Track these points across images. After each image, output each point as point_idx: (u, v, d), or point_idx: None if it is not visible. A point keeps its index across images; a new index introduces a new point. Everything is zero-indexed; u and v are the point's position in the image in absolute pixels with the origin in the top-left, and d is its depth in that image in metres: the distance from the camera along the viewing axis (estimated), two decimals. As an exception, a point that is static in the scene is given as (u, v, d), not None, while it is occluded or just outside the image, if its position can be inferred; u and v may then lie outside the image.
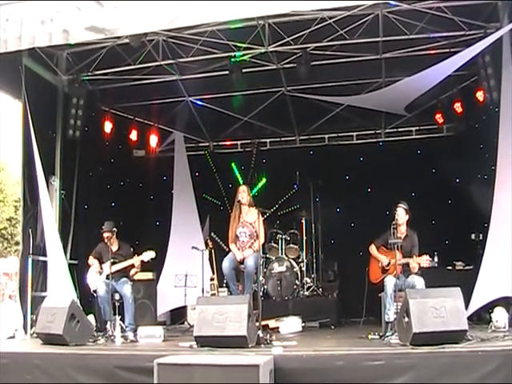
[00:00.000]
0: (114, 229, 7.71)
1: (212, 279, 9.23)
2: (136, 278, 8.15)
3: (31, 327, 7.56)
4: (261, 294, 8.20)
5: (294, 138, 11.85)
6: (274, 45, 8.53)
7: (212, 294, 8.95)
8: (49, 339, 6.52)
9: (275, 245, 10.09)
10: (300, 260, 10.06)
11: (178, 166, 11.18)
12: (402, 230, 7.16)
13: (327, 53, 8.76)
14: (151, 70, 9.23)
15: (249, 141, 11.88)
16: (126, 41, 8.07)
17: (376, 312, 7.35)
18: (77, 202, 9.27)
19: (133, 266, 7.71)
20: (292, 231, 10.19)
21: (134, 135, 11.11)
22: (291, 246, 10.07)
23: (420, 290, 6.36)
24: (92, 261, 7.78)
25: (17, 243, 20.12)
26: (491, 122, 8.01)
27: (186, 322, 9.37)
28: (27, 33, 6.28)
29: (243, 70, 8.94)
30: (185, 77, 9.59)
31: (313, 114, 10.88)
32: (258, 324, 6.25)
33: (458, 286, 5.61)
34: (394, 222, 6.94)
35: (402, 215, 7.13)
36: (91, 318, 7.62)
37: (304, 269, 9.98)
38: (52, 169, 8.84)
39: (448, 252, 8.95)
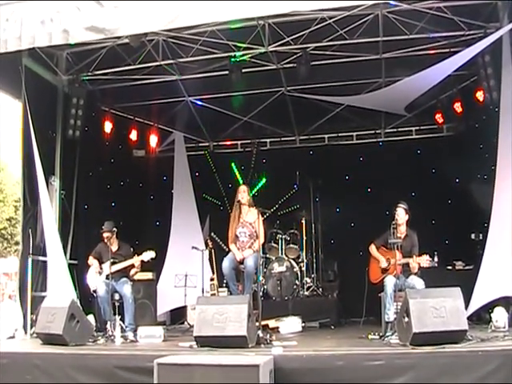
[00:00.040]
0: (114, 229, 7.71)
1: (212, 279, 9.23)
2: (136, 277, 8.15)
3: (31, 327, 7.56)
4: (261, 294, 8.20)
5: (293, 138, 11.86)
6: (273, 45, 8.53)
7: (212, 294, 8.95)
8: (49, 339, 6.52)
9: (275, 245, 10.09)
10: (300, 260, 10.06)
11: (177, 166, 11.18)
12: (402, 230, 7.16)
13: (327, 53, 8.76)
14: (151, 70, 9.23)
15: (249, 141, 11.88)
16: (126, 41, 8.07)
17: (376, 312, 7.35)
18: (77, 202, 9.27)
19: (133, 265, 7.71)
20: (292, 231, 10.19)
21: (133, 135, 11.11)
22: (291, 246, 10.07)
23: (420, 290, 6.36)
24: (92, 261, 7.78)
25: (17, 243, 20.10)
26: (491, 122, 8.01)
27: (185, 322, 9.37)
28: (27, 33, 6.28)
29: (243, 70, 8.94)
30: (185, 77, 9.59)
31: (313, 114, 10.88)
32: (257, 324, 6.25)
33: (457, 285, 5.61)
34: (393, 222, 6.95)
35: (401, 215, 7.14)
36: (91, 318, 7.62)
37: (304, 269, 9.98)
38: (52, 169, 8.84)
39: (448, 252, 8.96)
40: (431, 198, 10.15)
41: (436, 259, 6.98)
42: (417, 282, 6.77)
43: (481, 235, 8.48)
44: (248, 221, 7.58)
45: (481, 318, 7.42)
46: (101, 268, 7.67)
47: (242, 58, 8.99)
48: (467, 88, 9.68)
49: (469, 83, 9.59)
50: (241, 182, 11.48)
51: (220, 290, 9.26)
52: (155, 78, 9.46)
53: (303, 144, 11.80)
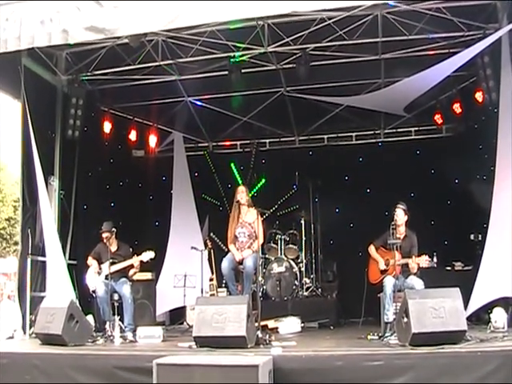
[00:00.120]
0: (113, 229, 7.71)
1: (211, 279, 9.23)
2: (135, 278, 8.15)
3: (30, 327, 7.56)
4: (260, 294, 8.19)
5: (293, 139, 11.86)
6: (273, 45, 8.53)
7: (211, 295, 8.95)
8: (48, 339, 6.52)
9: (274, 245, 10.09)
10: (299, 260, 10.06)
11: (177, 166, 11.17)
12: (401, 231, 7.16)
13: (326, 53, 8.76)
14: (151, 70, 9.22)
15: (248, 141, 11.88)
16: (126, 41, 8.06)
17: (375, 312, 7.35)
18: (76, 202, 9.26)
19: (132, 266, 7.71)
20: (291, 231, 10.18)
21: (133, 135, 11.10)
22: (290, 246, 10.06)
23: (419, 291, 6.36)
24: (91, 261, 7.78)
25: (16, 243, 20.10)
26: (490, 123, 8.01)
27: (185, 323, 9.37)
28: (27, 33, 6.28)
29: (242, 71, 8.94)
30: (184, 77, 9.59)
31: (312, 114, 10.88)
32: (257, 324, 6.26)
33: (457, 286, 5.61)
34: (393, 223, 6.94)
35: (400, 216, 7.14)
36: (90, 318, 7.62)
37: (303, 269, 9.99)
38: (51, 169, 8.83)
39: (447, 252, 8.94)
40: (430, 198, 10.16)
41: (435, 260, 6.98)
42: (416, 282, 6.77)
43: (480, 236, 8.48)
44: (247, 221, 7.58)
45: (480, 318, 7.41)
46: (100, 268, 7.67)
47: (241, 59, 8.99)
48: (466, 89, 9.69)
49: (468, 84, 9.60)
50: (240, 182, 11.49)
51: (219, 290, 9.27)
52: (155, 78, 9.45)
53: (302, 144, 11.80)
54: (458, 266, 8.98)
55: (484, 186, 8.16)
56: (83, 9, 6.10)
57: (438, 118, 10.67)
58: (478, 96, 8.91)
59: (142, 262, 7.68)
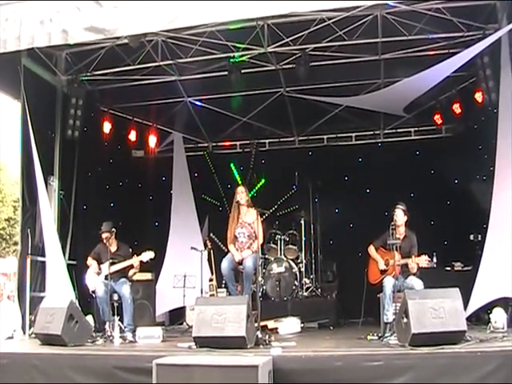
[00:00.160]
0: (113, 229, 7.70)
1: (211, 280, 9.23)
2: (135, 278, 8.15)
3: (30, 328, 7.55)
4: (260, 294, 8.19)
5: (292, 139, 11.86)
6: (273, 45, 8.53)
7: (211, 295, 8.96)
8: (47, 340, 6.52)
9: (274, 245, 10.09)
10: (299, 261, 10.06)
11: (177, 166, 11.17)
12: (401, 231, 7.16)
13: (326, 53, 8.76)
14: (150, 71, 9.22)
15: (248, 141, 11.88)
16: (125, 41, 8.06)
17: (375, 313, 7.36)
18: (76, 203, 9.25)
19: (132, 266, 7.71)
20: (291, 232, 10.18)
21: (132, 135, 11.09)
22: (290, 246, 10.06)
23: (419, 291, 6.36)
24: (91, 261, 7.78)
25: (15, 243, 20.09)
26: (490, 123, 8.01)
27: (184, 323, 9.38)
28: (26, 33, 6.28)
29: (242, 71, 8.95)
30: (184, 77, 9.59)
31: (312, 114, 10.88)
32: (256, 325, 6.25)
33: (456, 286, 5.61)
34: (392, 223, 6.94)
35: (400, 216, 7.14)
36: (90, 318, 7.61)
37: (303, 269, 9.99)
38: (51, 169, 8.83)
39: (447, 253, 8.95)
40: (430, 198, 10.16)
41: (435, 260, 6.98)
42: (416, 282, 6.77)
43: (479, 236, 8.48)
44: (247, 221, 7.58)
45: (480, 318, 7.42)
46: (100, 268, 7.67)
47: (241, 59, 8.99)
48: (466, 89, 9.70)
49: (468, 84, 9.60)
50: (240, 182, 11.48)
51: (219, 290, 9.27)
52: (154, 78, 9.45)
53: (302, 145, 11.81)
54: (458, 266, 8.98)
55: (484, 186, 8.17)
56: (83, 9, 6.10)
57: (437, 119, 10.69)
58: (478, 96, 8.91)
59: (141, 262, 7.68)
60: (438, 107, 10.49)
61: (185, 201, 10.85)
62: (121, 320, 7.33)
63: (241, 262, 7.38)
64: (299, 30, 8.29)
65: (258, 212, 7.46)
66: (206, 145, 12.19)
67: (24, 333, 7.59)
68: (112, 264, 7.46)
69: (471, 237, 8.93)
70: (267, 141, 11.90)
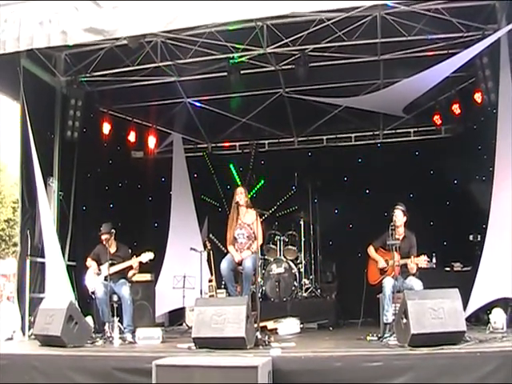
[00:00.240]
0: (112, 230, 7.70)
1: (210, 280, 9.24)
2: (134, 279, 8.14)
3: (29, 329, 7.54)
4: (259, 295, 8.19)
5: (292, 140, 11.86)
6: (272, 46, 8.53)
7: (210, 296, 8.96)
8: (47, 341, 6.52)
9: (273, 246, 10.09)
10: (298, 261, 10.07)
11: (176, 167, 11.17)
12: (400, 232, 7.16)
13: (325, 54, 8.76)
14: (149, 72, 9.22)
15: (247, 142, 11.89)
16: (125, 42, 8.06)
17: (374, 313, 7.36)
18: (75, 204, 9.25)
19: (131, 267, 7.70)
20: (290, 232, 10.19)
21: (132, 136, 11.09)
22: (289, 247, 10.07)
23: (418, 292, 6.36)
24: (90, 262, 7.78)
25: (15, 244, 20.06)
26: (489, 124, 8.02)
27: (184, 324, 9.37)
28: (25, 34, 6.28)
29: (241, 72, 8.95)
30: (183, 78, 9.59)
31: (311, 115, 10.88)
32: (256, 325, 6.25)
33: (456, 287, 5.62)
34: (392, 224, 6.94)
35: (399, 217, 7.14)
36: (89, 319, 7.61)
37: (302, 270, 9.99)
38: (50, 170, 8.82)
39: (446, 253, 8.97)
40: (429, 199, 10.16)
41: (434, 260, 6.99)
42: (415, 283, 6.77)
43: (479, 236, 8.48)
44: (246, 222, 7.57)
45: (479, 319, 7.42)
46: (99, 269, 7.66)
47: (240, 60, 8.99)
48: (465, 89, 9.70)
49: (467, 85, 9.61)
50: (239, 183, 11.48)
51: (218, 291, 9.28)
52: (154, 79, 9.46)
53: (301, 145, 11.81)
54: (457, 266, 8.98)
55: (483, 186, 8.16)
56: (82, 10, 6.10)
57: (437, 119, 10.70)
58: (477, 97, 8.91)
59: (141, 263, 7.67)
60: (438, 108, 10.49)
61: (184, 202, 10.84)
62: (120, 321, 7.32)
63: (240, 263, 7.38)
64: (298, 31, 8.30)
65: (257, 213, 7.44)
66: (205, 145, 12.19)
67: (23, 334, 7.58)
68: (111, 265, 7.46)
69: (471, 237, 8.94)
70: (266, 141, 11.91)
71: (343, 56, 8.78)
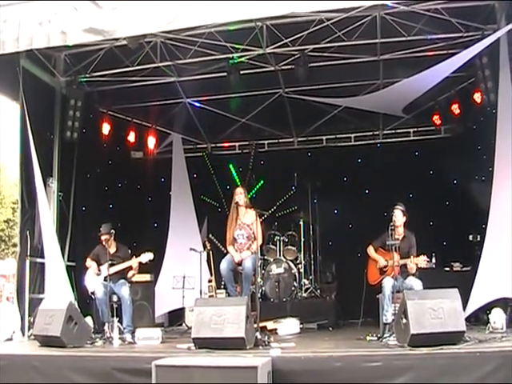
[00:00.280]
0: (112, 231, 7.70)
1: (210, 281, 9.24)
2: (134, 279, 8.14)
3: (29, 329, 7.54)
4: (259, 295, 8.19)
5: (291, 140, 11.86)
6: (271, 46, 8.53)
7: (210, 296, 8.96)
8: (46, 341, 6.51)
9: (273, 246, 10.09)
10: (298, 261, 10.06)
11: (175, 167, 11.18)
12: (400, 232, 7.16)
13: (325, 54, 8.76)
14: (149, 72, 9.22)
15: (247, 142, 11.89)
16: (124, 42, 8.06)
17: (374, 313, 7.36)
18: (74, 204, 9.24)
19: (131, 267, 7.71)
20: (290, 233, 10.19)
21: (131, 137, 11.09)
22: (289, 247, 10.07)
23: (418, 292, 6.37)
24: (90, 263, 7.77)
25: (14, 245, 20.08)
26: (489, 124, 8.02)
27: (183, 324, 9.35)
28: (25, 34, 6.28)
29: (241, 72, 8.95)
30: (183, 78, 9.59)
31: (311, 115, 10.88)
32: (255, 326, 6.24)
33: (455, 287, 5.62)
34: (391, 224, 6.94)
35: (399, 217, 7.14)
36: (89, 319, 7.61)
37: (302, 270, 9.99)
38: (50, 170, 8.81)
39: (446, 253, 8.98)
40: (429, 199, 10.16)
41: (434, 260, 6.99)
42: (415, 282, 6.77)
43: (478, 236, 8.49)
44: (246, 222, 7.57)
45: (479, 319, 7.42)
46: (99, 270, 7.66)
47: (240, 60, 8.99)
48: (465, 90, 9.71)
49: (466, 85, 9.61)
50: (239, 183, 11.47)
51: (218, 291, 9.29)
52: (153, 79, 9.45)
53: (301, 145, 11.81)
54: (457, 266, 8.98)
55: (482, 186, 8.16)
56: (81, 10, 6.10)
57: (436, 119, 10.70)
58: (477, 97, 8.92)
59: (140, 263, 7.68)
60: (437, 108, 10.50)
61: (184, 202, 10.84)
62: (120, 321, 7.32)
63: (240, 263, 7.38)
64: (298, 31, 8.30)
65: (256, 213, 7.44)
66: (205, 146, 12.19)
67: (23, 334, 7.57)
68: (111, 265, 7.47)
69: (470, 237, 8.95)
70: (266, 142, 11.91)
71: (343, 56, 8.78)
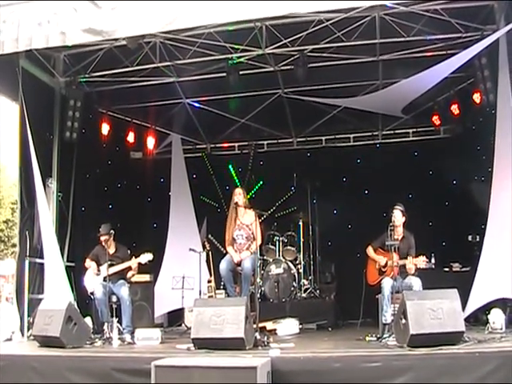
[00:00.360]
0: (111, 231, 7.69)
1: (209, 281, 9.23)
2: (133, 280, 8.14)
3: (28, 330, 7.53)
4: (258, 295, 8.19)
5: (291, 140, 11.86)
6: (271, 47, 8.53)
7: (209, 296, 8.96)
8: (46, 342, 6.51)
9: (272, 247, 10.09)
10: (297, 262, 10.06)
11: (175, 167, 11.18)
12: (399, 232, 7.17)
13: (324, 55, 8.77)
14: (148, 72, 9.23)
15: (246, 143, 11.89)
16: (124, 43, 8.06)
17: (373, 314, 7.36)
18: (74, 204, 9.24)
19: (130, 268, 7.71)
20: (289, 233, 10.19)
21: (131, 137, 11.10)
22: (288, 247, 10.06)
23: (417, 292, 6.38)
24: (89, 263, 7.78)
25: (14, 245, 20.05)
26: (488, 124, 8.02)
27: (183, 324, 9.34)
28: (24, 34, 6.28)
29: (240, 72, 8.95)
30: (182, 79, 9.59)
31: (310, 115, 10.88)
32: (255, 326, 6.25)
33: (454, 287, 5.62)
34: (390, 224, 6.94)
35: (398, 217, 7.15)
36: (88, 320, 7.59)
37: (301, 271, 9.98)
38: (49, 171, 8.81)
39: (445, 253, 8.98)
40: (428, 199, 10.16)
41: (433, 261, 6.99)
42: (414, 281, 6.78)
43: (478, 237, 8.48)
44: (245, 223, 7.58)
45: (478, 319, 7.42)
46: (98, 270, 7.66)
47: (239, 60, 8.99)
48: (464, 90, 9.71)
49: (466, 85, 9.62)
50: (238, 184, 11.47)
51: (217, 291, 9.28)
52: (153, 79, 9.46)
53: (300, 146, 11.81)
54: (456, 267, 8.99)
55: (482, 186, 8.16)
56: (81, 11, 6.10)
57: (435, 120, 10.69)
58: (476, 97, 8.91)
59: (140, 263, 7.68)
60: (436, 108, 10.49)
61: (183, 202, 10.84)
62: (119, 322, 7.32)
63: (239, 264, 7.39)
64: (297, 32, 8.30)
65: (256, 213, 7.45)
66: (204, 146, 12.19)
67: (22, 335, 7.56)
68: (110, 266, 7.47)
69: (469, 237, 8.95)
70: (265, 142, 11.91)
71: (342, 56, 8.78)
